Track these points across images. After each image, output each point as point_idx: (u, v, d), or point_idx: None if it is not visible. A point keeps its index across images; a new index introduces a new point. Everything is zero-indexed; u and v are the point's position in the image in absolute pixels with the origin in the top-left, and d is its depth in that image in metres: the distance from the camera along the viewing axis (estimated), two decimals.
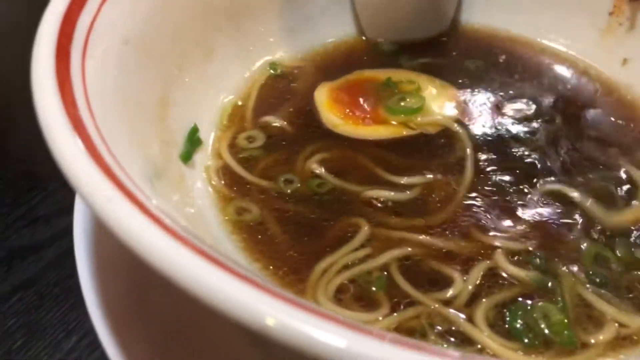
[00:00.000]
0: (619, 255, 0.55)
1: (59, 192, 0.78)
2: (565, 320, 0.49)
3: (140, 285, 0.54)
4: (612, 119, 0.69)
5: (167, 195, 0.51)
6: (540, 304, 0.51)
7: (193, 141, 0.60)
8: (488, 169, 0.61)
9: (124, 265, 0.55)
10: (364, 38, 0.79)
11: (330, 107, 0.67)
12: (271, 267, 0.54)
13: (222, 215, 0.58)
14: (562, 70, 0.75)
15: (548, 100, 0.71)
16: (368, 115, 0.66)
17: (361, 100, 0.68)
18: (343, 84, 0.70)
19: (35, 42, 0.46)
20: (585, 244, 0.55)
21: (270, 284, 0.34)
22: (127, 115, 0.50)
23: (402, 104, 0.67)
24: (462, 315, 0.50)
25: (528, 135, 0.66)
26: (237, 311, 0.30)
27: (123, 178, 0.38)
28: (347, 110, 0.67)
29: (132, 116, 0.51)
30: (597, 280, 0.53)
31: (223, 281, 0.31)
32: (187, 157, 0.58)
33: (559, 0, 0.76)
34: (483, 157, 0.63)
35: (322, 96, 0.69)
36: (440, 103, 0.68)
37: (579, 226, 0.57)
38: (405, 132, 0.65)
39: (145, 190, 0.39)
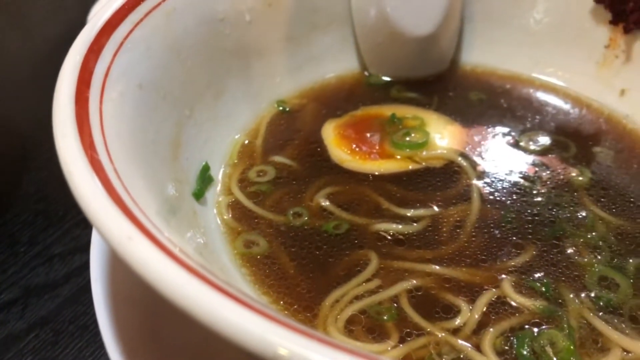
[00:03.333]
0: (626, 277, 0.56)
1: (74, 231, 0.80)
2: (572, 347, 0.50)
3: (154, 319, 0.55)
4: (613, 149, 0.71)
5: (181, 231, 0.52)
6: (546, 330, 0.52)
7: (205, 179, 0.62)
8: (493, 200, 0.63)
9: (138, 300, 0.56)
10: (366, 74, 0.81)
11: (337, 143, 0.69)
12: (282, 302, 0.55)
13: (232, 249, 0.60)
14: (560, 103, 0.77)
15: (549, 133, 0.72)
16: (375, 150, 0.68)
17: (367, 135, 0.70)
18: (349, 120, 0.73)
19: (56, 89, 0.48)
20: (591, 268, 0.56)
21: (281, 315, 0.35)
22: (143, 156, 0.52)
23: (407, 138, 0.69)
24: (470, 344, 0.51)
25: (530, 167, 0.68)
26: (252, 343, 0.32)
27: (141, 217, 0.39)
28: (354, 145, 0.69)
29: (147, 156, 0.54)
30: (603, 304, 0.54)
31: (238, 314, 0.33)
32: (199, 194, 0.60)
33: (555, 36, 0.79)
34: (488, 188, 0.64)
35: (329, 132, 0.71)
36: (444, 137, 0.70)
37: (585, 250, 0.58)
38: (410, 167, 0.67)
39: (162, 228, 0.41)
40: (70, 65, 0.51)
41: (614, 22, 0.74)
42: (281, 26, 0.76)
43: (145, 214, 0.41)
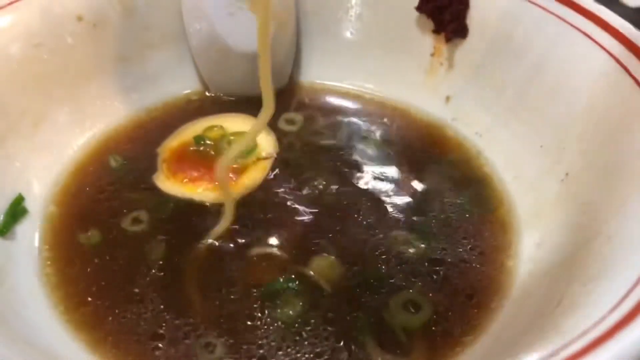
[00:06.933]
0: None
1: None
2: None
3: None
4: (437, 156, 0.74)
5: None
6: None
7: (15, 213, 0.60)
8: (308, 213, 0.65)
9: None
10: (207, 94, 0.81)
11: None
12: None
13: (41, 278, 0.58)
14: (391, 113, 0.79)
15: (374, 145, 0.75)
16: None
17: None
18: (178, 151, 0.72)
19: None
20: None
21: None
22: None
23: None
24: None
25: (359, 180, 0.70)
26: None
27: None
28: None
29: None
30: None
31: None
32: (5, 229, 0.58)
33: (385, 47, 0.80)
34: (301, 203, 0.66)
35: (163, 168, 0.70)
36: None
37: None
38: None
39: None
40: None
41: (436, 31, 0.76)
42: (110, 47, 0.75)
43: None
